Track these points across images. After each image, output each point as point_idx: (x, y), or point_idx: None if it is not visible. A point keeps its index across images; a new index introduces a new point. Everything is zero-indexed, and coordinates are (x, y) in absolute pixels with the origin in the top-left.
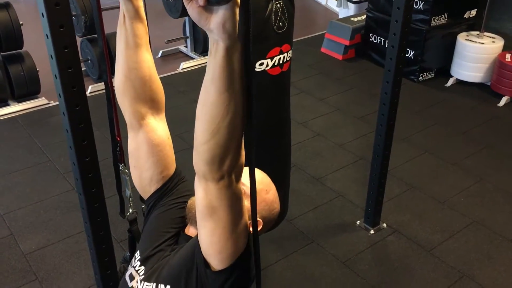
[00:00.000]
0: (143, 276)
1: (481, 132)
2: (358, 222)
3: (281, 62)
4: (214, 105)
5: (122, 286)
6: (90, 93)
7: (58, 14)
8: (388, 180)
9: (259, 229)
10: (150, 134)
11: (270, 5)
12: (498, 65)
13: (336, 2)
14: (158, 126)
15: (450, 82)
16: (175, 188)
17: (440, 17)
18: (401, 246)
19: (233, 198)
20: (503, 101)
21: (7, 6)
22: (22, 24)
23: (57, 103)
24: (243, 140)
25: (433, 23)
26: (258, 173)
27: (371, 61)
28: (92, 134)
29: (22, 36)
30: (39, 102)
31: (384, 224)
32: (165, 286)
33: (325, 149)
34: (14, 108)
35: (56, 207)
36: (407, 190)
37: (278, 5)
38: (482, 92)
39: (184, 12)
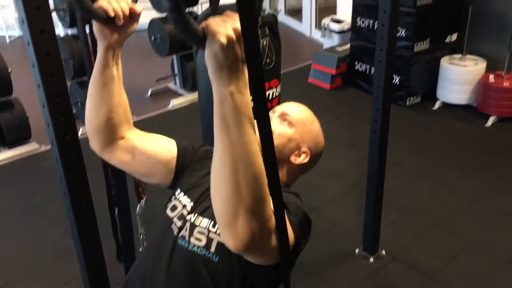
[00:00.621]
0: (191, 206)
1: (472, 153)
2: (357, 250)
3: (270, 97)
4: (218, 170)
5: (161, 224)
6: (81, 135)
7: (49, 63)
8: (384, 205)
9: (306, 160)
10: (137, 142)
11: None
12: (483, 86)
13: (320, 33)
14: (136, 133)
15: (437, 105)
16: (193, 157)
17: (423, 43)
18: (402, 273)
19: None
20: (490, 121)
21: None
22: (11, 71)
23: (49, 147)
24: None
25: (416, 49)
26: (301, 106)
27: (358, 89)
28: (87, 180)
29: (11, 83)
30: (30, 147)
31: (383, 251)
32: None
33: (319, 178)
34: (5, 155)
35: (50, 254)
36: (403, 214)
37: (264, 42)
38: (469, 113)
39: (171, 50)
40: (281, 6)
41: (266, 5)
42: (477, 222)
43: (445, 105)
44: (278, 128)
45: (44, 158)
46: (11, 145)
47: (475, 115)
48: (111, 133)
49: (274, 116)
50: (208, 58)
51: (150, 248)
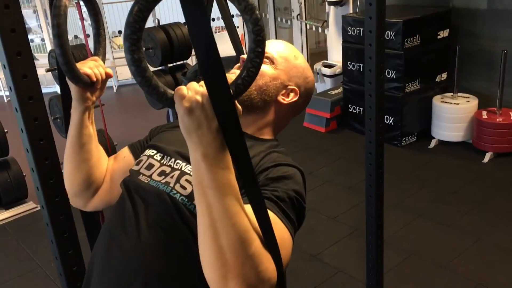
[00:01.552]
0: (160, 157)
1: (471, 190)
2: None
3: None
4: (200, 234)
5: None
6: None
7: (37, 127)
8: (386, 249)
9: (296, 98)
10: (108, 195)
11: None
12: (476, 123)
13: None
14: (105, 187)
15: (433, 143)
16: (147, 140)
17: (413, 83)
18: None
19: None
20: (487, 157)
21: None
22: (7, 132)
23: None
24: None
25: (407, 90)
26: (282, 42)
27: (353, 131)
28: (78, 242)
29: (7, 143)
30: (26, 207)
31: None
32: None
33: (318, 223)
34: (2, 215)
35: None
36: (406, 258)
37: None
38: (466, 150)
39: None
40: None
41: None
42: (482, 262)
43: (441, 143)
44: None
45: (40, 217)
46: (7, 205)
47: (471, 152)
48: (94, 188)
49: None
50: (179, 122)
51: (111, 217)
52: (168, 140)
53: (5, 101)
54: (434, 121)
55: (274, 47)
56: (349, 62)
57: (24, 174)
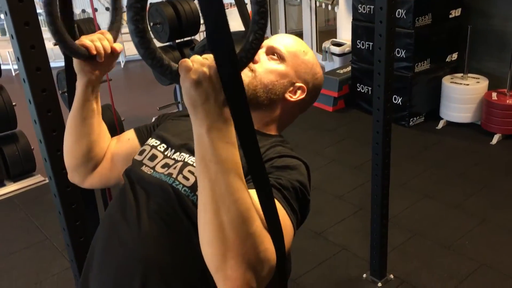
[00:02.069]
0: (177, 146)
1: (478, 171)
2: (364, 275)
3: None
4: (201, 211)
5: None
6: None
7: (45, 99)
8: (390, 228)
9: (303, 96)
10: (108, 173)
11: None
12: (486, 105)
13: (321, 56)
14: (105, 164)
15: (441, 124)
16: (153, 126)
17: (423, 63)
18: None
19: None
20: (495, 139)
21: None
22: (15, 105)
23: None
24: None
25: (416, 69)
26: (291, 37)
27: (361, 110)
28: (84, 213)
29: (16, 117)
30: (34, 180)
31: (391, 275)
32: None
33: (324, 202)
34: (10, 188)
35: (56, 286)
36: (411, 237)
37: None
38: (474, 131)
39: None
40: (282, 31)
41: (267, 30)
42: (486, 243)
43: (449, 124)
44: (267, 65)
45: (48, 190)
46: (16, 178)
47: (479, 133)
48: (94, 162)
49: (261, 52)
50: (183, 95)
51: (112, 206)
52: (174, 130)
53: (13, 74)
54: (443, 102)
55: (282, 42)
56: (358, 41)
57: (32, 148)
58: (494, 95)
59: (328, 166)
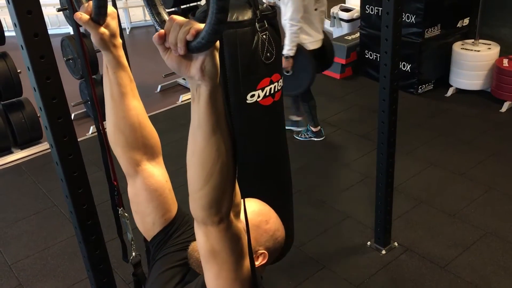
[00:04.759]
0: None
1: (486, 139)
2: (368, 243)
3: (272, 92)
4: (204, 151)
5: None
6: (92, 133)
7: (43, 66)
8: (395, 197)
9: (265, 261)
10: (147, 180)
11: (256, 37)
12: (497, 71)
13: (329, 22)
14: (155, 171)
15: (450, 92)
16: (179, 229)
17: (433, 29)
18: (415, 265)
19: (235, 238)
20: (505, 106)
21: (4, 56)
22: (20, 72)
23: None
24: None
25: (426, 35)
26: (255, 204)
27: (369, 77)
28: (87, 181)
29: (21, 84)
30: (41, 147)
31: (396, 243)
32: None
33: (329, 170)
34: (18, 155)
35: (63, 253)
36: (415, 205)
37: (264, 36)
38: (483, 99)
39: None
40: None
41: None
42: (492, 211)
43: (459, 91)
44: None
45: None
46: (23, 145)
47: (489, 101)
48: (143, 144)
49: None
50: (210, 66)
51: None
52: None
53: None
54: (452, 69)
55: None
56: (367, 6)
57: (38, 115)
58: (505, 61)
59: (335, 134)
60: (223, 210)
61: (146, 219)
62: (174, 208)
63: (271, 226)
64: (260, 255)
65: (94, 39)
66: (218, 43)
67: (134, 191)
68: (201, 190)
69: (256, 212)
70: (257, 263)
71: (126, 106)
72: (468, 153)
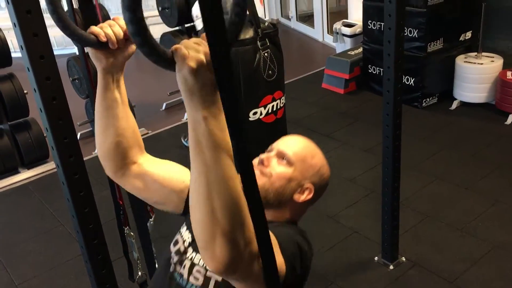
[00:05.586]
0: (189, 243)
1: (491, 152)
2: (376, 258)
3: (274, 109)
4: (193, 192)
5: (165, 256)
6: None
7: (49, 87)
8: (402, 211)
9: (310, 196)
10: (150, 169)
11: (258, 55)
12: (500, 84)
13: (332, 37)
14: (149, 158)
15: (455, 105)
16: None
17: (436, 43)
18: (423, 280)
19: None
20: (510, 119)
21: (11, 77)
22: (26, 93)
23: None
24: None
25: (429, 49)
26: (301, 138)
27: (372, 92)
28: (93, 200)
29: (27, 104)
30: (48, 166)
31: (403, 257)
32: None
33: (335, 185)
34: (24, 175)
35: (70, 273)
36: (422, 220)
37: (266, 54)
38: (488, 111)
39: None
40: (292, 13)
41: (278, 13)
42: (499, 225)
43: (463, 104)
44: (277, 169)
45: None
46: (29, 165)
47: (494, 113)
48: (121, 158)
49: (271, 154)
50: (179, 82)
51: (154, 280)
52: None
53: None
54: (456, 82)
55: (291, 146)
56: (369, 21)
57: (44, 135)
58: (509, 74)
59: (339, 149)
60: (244, 249)
61: (168, 203)
62: (185, 174)
63: (317, 162)
64: (305, 189)
65: (120, 57)
66: (188, 70)
67: (143, 184)
68: (213, 239)
69: (302, 146)
70: (302, 197)
71: (124, 113)
72: (474, 166)
